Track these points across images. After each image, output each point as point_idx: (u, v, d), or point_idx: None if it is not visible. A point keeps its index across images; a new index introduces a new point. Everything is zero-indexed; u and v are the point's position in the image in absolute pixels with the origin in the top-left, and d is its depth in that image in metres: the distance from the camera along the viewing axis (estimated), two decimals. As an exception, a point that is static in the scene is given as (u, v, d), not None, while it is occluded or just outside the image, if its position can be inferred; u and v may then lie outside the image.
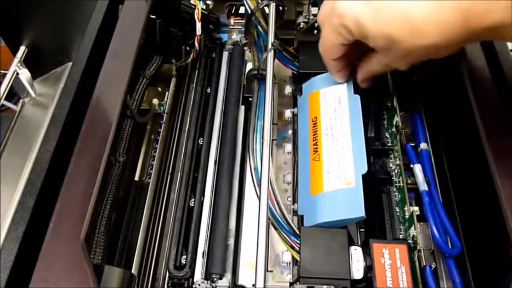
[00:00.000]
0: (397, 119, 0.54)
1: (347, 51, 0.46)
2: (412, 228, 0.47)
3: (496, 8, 0.36)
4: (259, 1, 0.57)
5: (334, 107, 0.51)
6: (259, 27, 0.57)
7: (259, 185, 0.46)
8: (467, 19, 0.37)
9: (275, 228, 0.46)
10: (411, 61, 0.43)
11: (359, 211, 0.43)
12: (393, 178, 0.52)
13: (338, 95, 0.51)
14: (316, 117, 0.51)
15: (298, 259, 0.43)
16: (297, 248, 0.44)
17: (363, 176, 0.45)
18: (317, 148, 0.49)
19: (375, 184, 0.52)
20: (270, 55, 0.53)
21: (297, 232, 0.45)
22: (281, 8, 0.62)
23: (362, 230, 0.52)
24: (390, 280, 0.42)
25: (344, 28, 0.43)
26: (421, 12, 0.38)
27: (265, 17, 0.58)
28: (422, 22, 0.38)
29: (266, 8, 0.58)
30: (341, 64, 0.49)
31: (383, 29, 0.40)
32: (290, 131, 0.61)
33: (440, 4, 0.38)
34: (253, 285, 0.41)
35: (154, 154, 0.63)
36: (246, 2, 0.57)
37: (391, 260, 0.43)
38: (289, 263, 0.51)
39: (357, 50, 0.47)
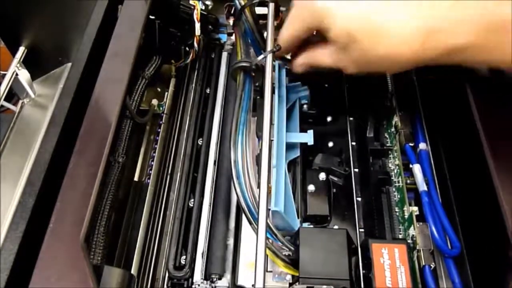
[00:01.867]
0: (396, 119, 0.54)
1: (304, 41, 0.47)
2: (412, 228, 0.47)
3: (461, 31, 0.37)
4: None
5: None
6: (246, 24, 0.57)
7: (238, 178, 0.47)
8: (429, 38, 0.38)
9: (250, 223, 0.46)
10: (361, 68, 0.44)
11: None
12: (392, 178, 0.53)
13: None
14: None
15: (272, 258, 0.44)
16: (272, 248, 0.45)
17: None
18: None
19: (374, 184, 0.53)
20: (269, 57, 0.53)
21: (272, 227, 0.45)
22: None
23: (362, 230, 0.52)
24: (389, 280, 0.42)
25: (306, 18, 0.44)
26: (384, 19, 0.39)
27: (254, 15, 0.57)
28: (384, 28, 0.39)
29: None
30: (293, 49, 0.50)
31: (347, 25, 0.41)
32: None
33: (407, 17, 0.38)
34: (253, 285, 0.41)
35: (154, 154, 0.63)
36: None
37: (390, 260, 0.43)
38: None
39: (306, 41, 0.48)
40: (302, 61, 0.50)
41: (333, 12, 0.41)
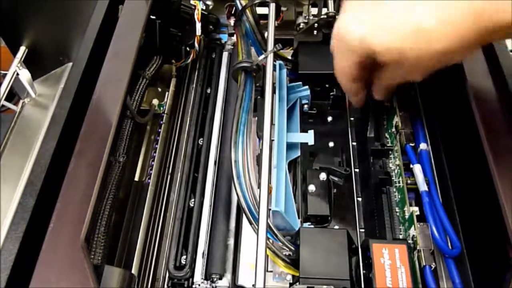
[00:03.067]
0: (396, 119, 0.54)
1: (362, 72, 0.46)
2: (412, 228, 0.47)
3: (507, 7, 0.36)
4: None
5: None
6: (247, 24, 0.57)
7: (238, 178, 0.47)
8: (479, 20, 0.37)
9: (251, 223, 0.46)
10: (426, 71, 0.43)
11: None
12: (393, 178, 0.52)
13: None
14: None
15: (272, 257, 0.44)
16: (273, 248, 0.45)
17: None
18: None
19: (374, 184, 0.53)
20: (270, 57, 0.53)
21: (272, 227, 0.45)
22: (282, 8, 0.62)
23: (362, 230, 0.52)
24: (389, 280, 0.42)
25: (350, 50, 0.43)
26: (434, 21, 0.38)
27: (254, 16, 0.58)
28: (436, 31, 0.38)
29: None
30: (357, 87, 0.49)
31: (391, 45, 0.40)
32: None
33: (451, 9, 0.37)
34: (253, 285, 0.41)
35: (154, 154, 0.63)
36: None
37: (391, 260, 0.43)
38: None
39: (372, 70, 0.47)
40: (379, 94, 0.51)
41: (367, 40, 0.41)
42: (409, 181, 0.51)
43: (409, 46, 0.39)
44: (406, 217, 0.48)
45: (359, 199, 0.54)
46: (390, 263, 0.43)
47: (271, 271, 0.49)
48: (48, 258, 0.38)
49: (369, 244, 0.44)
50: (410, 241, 0.47)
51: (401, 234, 0.49)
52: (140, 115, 0.59)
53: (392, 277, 0.42)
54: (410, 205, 0.49)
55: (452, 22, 0.38)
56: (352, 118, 0.60)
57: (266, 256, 0.42)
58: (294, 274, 0.45)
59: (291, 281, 0.48)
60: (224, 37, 0.72)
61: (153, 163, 0.62)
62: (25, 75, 0.65)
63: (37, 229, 0.39)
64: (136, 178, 0.62)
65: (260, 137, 0.53)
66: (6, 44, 0.69)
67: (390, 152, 0.54)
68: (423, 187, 0.49)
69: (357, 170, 0.56)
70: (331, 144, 0.58)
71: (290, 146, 0.54)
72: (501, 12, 0.36)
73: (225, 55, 0.70)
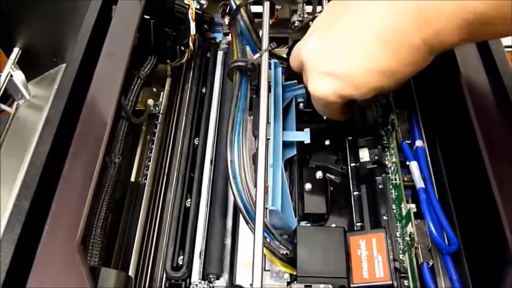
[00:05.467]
0: (392, 116, 0.54)
1: (344, 106, 0.48)
2: (409, 225, 0.47)
3: (453, 33, 0.37)
4: None
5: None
6: (242, 23, 0.57)
7: (234, 178, 0.47)
8: (430, 47, 0.39)
9: (247, 223, 0.46)
10: (398, 85, 0.45)
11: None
12: (389, 175, 0.52)
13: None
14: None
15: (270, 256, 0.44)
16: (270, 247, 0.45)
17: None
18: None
19: (366, 175, 0.53)
20: (265, 56, 0.53)
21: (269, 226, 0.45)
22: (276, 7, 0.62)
23: (359, 224, 0.52)
24: (366, 272, 0.42)
25: (329, 102, 0.46)
26: (390, 60, 0.40)
27: (249, 14, 0.57)
28: (395, 67, 0.41)
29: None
30: (343, 113, 0.51)
31: (365, 89, 0.43)
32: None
33: (402, 45, 0.39)
34: (251, 284, 0.41)
35: (150, 154, 0.62)
36: None
37: (368, 251, 0.43)
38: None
39: None
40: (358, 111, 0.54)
41: (344, 93, 0.44)
42: (405, 178, 0.51)
43: (384, 83, 0.42)
44: (403, 214, 0.48)
45: (355, 194, 0.54)
46: (367, 253, 0.43)
47: (268, 270, 0.49)
48: (44, 260, 0.38)
49: (346, 237, 0.44)
50: (407, 238, 0.47)
51: (398, 231, 0.49)
52: (135, 115, 0.59)
53: (368, 268, 0.42)
54: (407, 202, 0.49)
55: (409, 55, 0.40)
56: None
57: (263, 255, 0.41)
58: (292, 273, 0.45)
59: (288, 280, 0.48)
60: (219, 36, 0.72)
61: (149, 163, 0.62)
62: (19, 77, 0.65)
63: (33, 231, 0.39)
64: (132, 179, 0.62)
65: (256, 136, 0.53)
66: (-1, 46, 0.69)
67: (386, 149, 0.54)
68: (419, 184, 0.49)
69: (353, 164, 0.56)
70: (327, 142, 0.58)
71: (286, 145, 0.53)
72: (448, 37, 0.38)
73: (220, 54, 0.70)
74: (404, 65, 0.41)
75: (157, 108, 0.66)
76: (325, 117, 0.60)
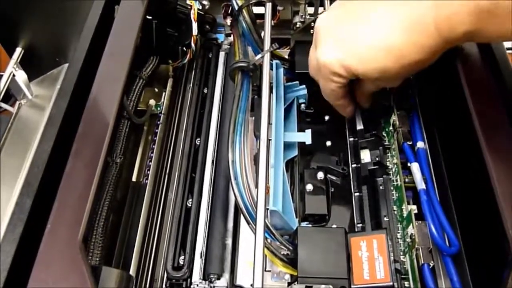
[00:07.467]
0: (394, 118, 0.54)
1: (347, 89, 0.50)
2: (410, 226, 0.47)
3: (464, 19, 0.38)
4: None
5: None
6: (244, 24, 0.57)
7: (235, 178, 0.47)
8: (440, 31, 0.40)
9: (248, 223, 0.46)
10: (401, 78, 0.48)
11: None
12: (390, 177, 0.53)
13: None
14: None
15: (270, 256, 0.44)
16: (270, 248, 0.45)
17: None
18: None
19: (367, 176, 0.53)
20: (267, 56, 0.53)
21: (269, 227, 0.45)
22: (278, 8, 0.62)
23: (360, 225, 0.52)
24: (367, 273, 0.42)
25: (334, 74, 0.47)
26: (399, 38, 0.42)
27: (251, 15, 0.58)
28: (403, 46, 0.42)
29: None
30: (346, 102, 0.52)
31: (369, 65, 0.44)
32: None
33: (413, 24, 0.41)
34: (251, 285, 0.41)
35: (151, 154, 0.63)
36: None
37: (369, 252, 0.43)
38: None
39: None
40: (362, 101, 0.54)
41: (347, 64, 0.45)
42: (407, 180, 0.51)
43: (385, 65, 0.43)
44: (404, 215, 0.48)
45: (356, 194, 0.54)
46: (368, 254, 0.43)
47: (269, 271, 0.49)
48: (46, 259, 0.38)
49: (347, 239, 0.44)
50: (408, 240, 0.47)
51: (399, 233, 0.49)
52: (137, 115, 0.59)
53: (369, 269, 0.42)
54: (408, 203, 0.49)
55: (416, 38, 0.41)
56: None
57: (264, 256, 0.41)
58: (292, 273, 0.45)
59: (289, 281, 0.48)
60: (220, 37, 0.72)
61: (150, 163, 0.62)
62: (21, 76, 0.65)
63: (35, 230, 0.39)
64: (134, 179, 0.62)
65: (257, 136, 0.53)
66: (2, 45, 0.69)
67: (387, 150, 0.54)
68: (421, 185, 0.49)
69: (354, 165, 0.56)
70: (328, 143, 0.58)
71: (288, 146, 0.54)
72: (460, 24, 0.38)
73: (221, 55, 0.70)
74: (412, 45, 0.41)
75: (158, 108, 0.67)
76: (326, 118, 0.60)
